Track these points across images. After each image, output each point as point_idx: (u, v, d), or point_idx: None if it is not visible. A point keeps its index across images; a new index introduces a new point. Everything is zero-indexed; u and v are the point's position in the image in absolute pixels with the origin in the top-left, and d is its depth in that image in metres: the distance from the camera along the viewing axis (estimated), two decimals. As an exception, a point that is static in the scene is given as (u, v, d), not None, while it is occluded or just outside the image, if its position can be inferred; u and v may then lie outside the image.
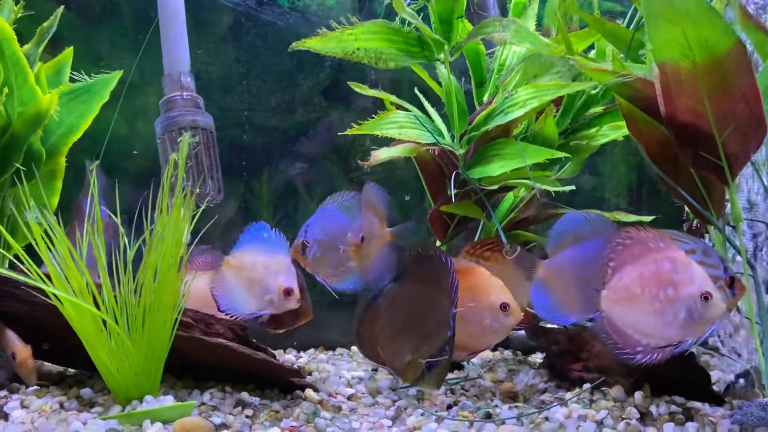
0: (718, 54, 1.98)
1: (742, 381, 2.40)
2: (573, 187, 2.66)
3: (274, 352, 2.38)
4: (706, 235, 2.64)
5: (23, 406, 2.09)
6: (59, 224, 2.09)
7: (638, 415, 2.12)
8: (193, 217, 2.24)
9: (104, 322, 2.07)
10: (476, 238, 2.99)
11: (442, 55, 2.63)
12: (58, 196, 2.88)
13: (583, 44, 2.76)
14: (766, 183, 2.56)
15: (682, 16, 1.94)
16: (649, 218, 2.90)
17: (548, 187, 2.60)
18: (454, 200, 2.70)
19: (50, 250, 2.07)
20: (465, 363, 2.79)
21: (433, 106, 2.87)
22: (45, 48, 2.84)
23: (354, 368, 2.88)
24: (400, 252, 2.41)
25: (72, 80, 2.91)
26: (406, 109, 2.81)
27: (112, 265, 2.12)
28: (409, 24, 2.55)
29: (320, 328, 2.79)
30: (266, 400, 2.27)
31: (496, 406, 2.32)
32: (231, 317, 2.36)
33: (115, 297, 2.09)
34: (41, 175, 2.69)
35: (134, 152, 3.31)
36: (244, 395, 2.25)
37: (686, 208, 2.75)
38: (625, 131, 2.57)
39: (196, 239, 2.30)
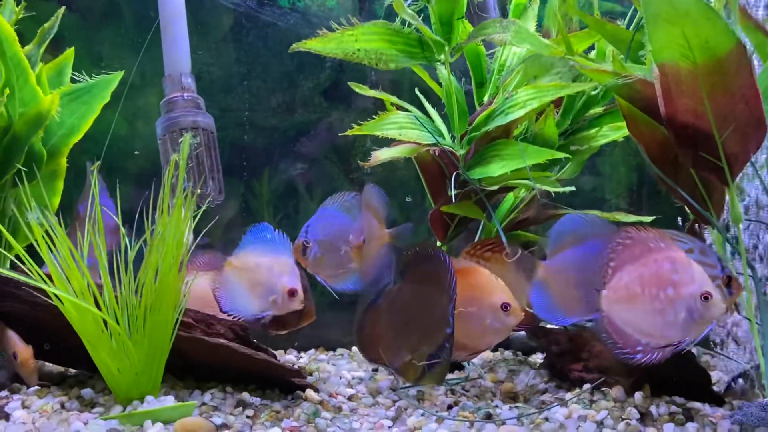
0: (719, 55, 1.98)
1: (741, 381, 2.40)
2: (573, 188, 2.66)
3: (274, 352, 2.38)
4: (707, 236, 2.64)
5: (24, 407, 2.10)
6: (60, 225, 2.10)
7: (638, 416, 2.12)
8: (194, 217, 2.24)
9: (105, 322, 2.07)
10: (476, 239, 2.99)
11: (442, 56, 2.64)
12: (59, 196, 2.89)
13: (583, 45, 2.76)
14: (766, 183, 2.56)
15: (682, 17, 1.94)
16: (649, 219, 2.90)
17: (548, 188, 2.60)
18: (454, 201, 2.70)
19: (51, 251, 2.07)
20: (465, 363, 2.79)
21: (433, 107, 2.87)
22: (46, 49, 2.84)
23: (354, 369, 2.88)
24: (399, 252, 2.41)
25: (73, 81, 2.92)
26: (407, 110, 2.82)
27: (113, 266, 2.12)
28: (410, 25, 2.55)
29: (321, 329, 2.79)
30: (267, 401, 2.27)
31: (497, 406, 2.32)
32: (234, 318, 2.36)
33: (116, 297, 2.09)
34: (42, 175, 2.70)
35: (135, 153, 3.32)
36: (245, 395, 2.25)
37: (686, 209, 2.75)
38: (625, 132, 2.57)
39: (197, 239, 2.31)
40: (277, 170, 3.55)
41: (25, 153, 2.68)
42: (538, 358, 3.15)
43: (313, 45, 2.49)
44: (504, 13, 3.05)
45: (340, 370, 2.86)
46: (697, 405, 2.22)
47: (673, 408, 2.16)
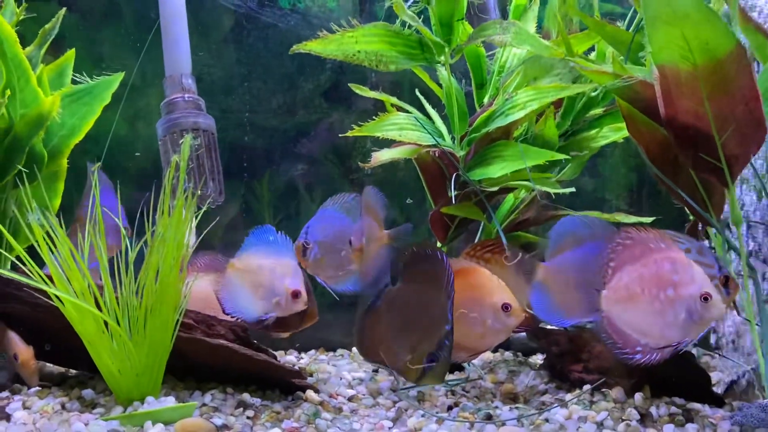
0: (718, 56, 1.98)
1: (742, 382, 2.40)
2: (573, 189, 2.67)
3: (275, 353, 2.38)
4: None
5: (25, 407, 2.09)
6: (61, 225, 2.10)
7: (638, 417, 2.12)
8: (195, 218, 2.25)
9: (106, 323, 2.08)
10: (476, 240, 3.00)
11: (442, 58, 2.64)
12: (60, 197, 2.89)
13: (584, 46, 2.77)
14: (766, 184, 2.56)
15: (682, 19, 1.94)
16: (649, 219, 2.90)
17: (548, 189, 2.61)
18: (454, 202, 2.70)
19: (52, 252, 2.08)
20: (466, 364, 2.79)
21: (433, 108, 2.88)
22: (47, 50, 2.84)
23: (355, 369, 2.88)
24: (396, 253, 2.42)
25: (74, 82, 2.92)
26: (407, 111, 2.82)
27: (114, 267, 2.12)
28: (410, 26, 2.55)
29: (321, 329, 2.80)
30: (267, 401, 2.28)
31: (497, 407, 2.33)
32: (237, 320, 2.37)
33: (117, 298, 2.10)
34: (43, 176, 2.70)
35: (136, 154, 3.32)
36: (246, 396, 2.25)
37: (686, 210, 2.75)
38: (625, 133, 2.57)
39: (198, 240, 2.31)
40: (278, 171, 3.56)
41: (26, 154, 2.68)
42: (538, 359, 3.15)
43: (313, 46, 2.49)
44: (504, 15, 3.06)
45: (340, 370, 2.86)
46: (697, 406, 2.22)
47: (673, 409, 2.17)
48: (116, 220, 2.30)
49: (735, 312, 2.62)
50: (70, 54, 2.97)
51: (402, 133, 2.69)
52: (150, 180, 2.28)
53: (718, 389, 2.45)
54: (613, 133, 2.91)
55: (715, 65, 2.00)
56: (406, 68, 2.61)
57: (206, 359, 2.29)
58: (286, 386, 2.36)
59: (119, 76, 2.96)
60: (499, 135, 2.72)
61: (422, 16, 2.55)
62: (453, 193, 2.68)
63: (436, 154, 2.82)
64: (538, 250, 2.46)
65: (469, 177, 2.67)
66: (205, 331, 2.26)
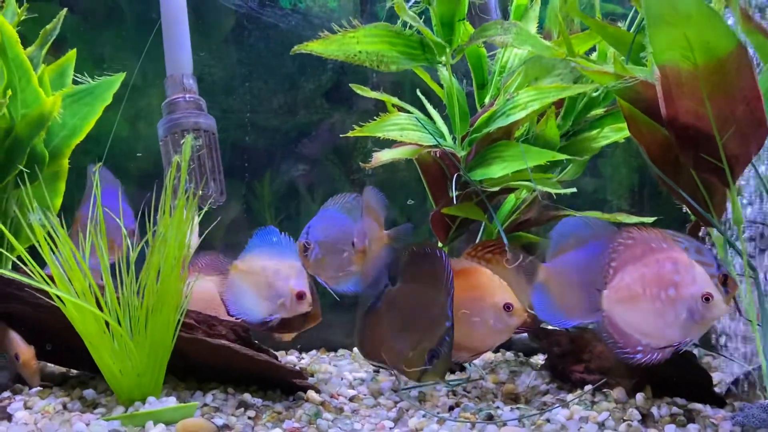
0: (720, 56, 1.98)
1: (743, 382, 2.40)
2: (574, 189, 2.67)
3: (276, 353, 2.39)
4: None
5: (26, 407, 2.10)
6: (62, 226, 2.10)
7: (639, 417, 2.12)
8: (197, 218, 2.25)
9: (107, 323, 2.08)
10: (478, 240, 3.00)
11: (443, 58, 2.64)
12: (61, 197, 2.89)
13: (585, 47, 2.77)
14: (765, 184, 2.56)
15: (683, 19, 1.94)
16: (650, 219, 2.90)
17: (550, 189, 2.61)
18: (455, 202, 2.70)
19: (53, 252, 2.08)
20: (467, 364, 2.79)
21: (434, 108, 2.88)
22: (48, 50, 2.85)
23: (356, 369, 2.88)
24: (396, 253, 2.42)
25: (75, 82, 2.93)
26: (408, 111, 2.82)
27: (115, 267, 2.12)
28: (411, 27, 2.55)
29: (322, 330, 2.79)
30: (268, 402, 2.28)
31: (498, 407, 2.32)
32: (240, 322, 2.37)
33: (118, 298, 2.10)
34: (44, 176, 2.71)
35: (137, 154, 3.32)
36: (247, 396, 2.25)
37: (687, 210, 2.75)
38: (627, 133, 2.58)
39: (199, 241, 2.31)
40: (279, 171, 3.56)
41: (27, 154, 2.68)
42: (539, 359, 3.15)
43: (314, 47, 2.49)
44: (505, 15, 3.06)
45: (341, 371, 2.86)
46: (699, 406, 2.22)
47: (675, 409, 2.16)
48: (118, 221, 2.30)
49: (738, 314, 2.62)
50: (72, 54, 2.97)
51: (403, 133, 2.69)
52: (151, 180, 2.28)
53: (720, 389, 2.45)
54: (615, 133, 2.91)
55: (716, 65, 2.00)
56: (407, 68, 2.62)
57: (207, 359, 2.29)
58: (288, 386, 2.36)
59: (120, 77, 2.96)
60: (501, 135, 2.72)
61: (423, 17, 2.56)
62: (454, 194, 2.68)
63: (437, 155, 2.82)
64: (540, 252, 2.46)
65: (470, 177, 2.67)
66: (206, 332, 2.26)
